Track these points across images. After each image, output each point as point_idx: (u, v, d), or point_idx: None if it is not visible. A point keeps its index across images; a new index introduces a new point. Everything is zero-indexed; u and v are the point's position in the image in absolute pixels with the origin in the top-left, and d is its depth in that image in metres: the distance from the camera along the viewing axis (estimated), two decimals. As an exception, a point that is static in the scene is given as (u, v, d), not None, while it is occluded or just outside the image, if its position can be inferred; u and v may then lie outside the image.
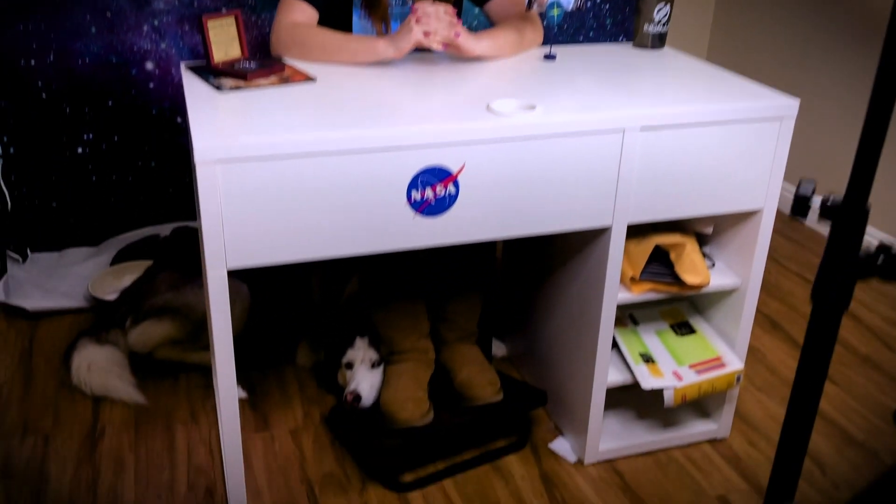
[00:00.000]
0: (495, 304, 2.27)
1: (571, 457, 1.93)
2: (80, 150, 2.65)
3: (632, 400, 2.12)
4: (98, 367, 2.13)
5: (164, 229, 2.77)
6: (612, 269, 1.76)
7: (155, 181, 2.76)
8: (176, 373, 2.24)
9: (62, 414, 2.03)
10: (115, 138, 2.69)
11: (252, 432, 2.00)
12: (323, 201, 1.49)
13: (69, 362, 2.14)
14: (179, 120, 2.74)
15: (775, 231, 2.92)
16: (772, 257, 2.85)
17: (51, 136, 2.62)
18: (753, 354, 2.33)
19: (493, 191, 1.59)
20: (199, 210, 1.55)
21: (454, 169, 1.55)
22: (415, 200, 1.54)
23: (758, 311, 2.45)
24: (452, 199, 1.57)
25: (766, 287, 2.67)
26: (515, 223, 1.64)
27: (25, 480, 1.81)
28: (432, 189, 1.54)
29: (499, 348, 2.31)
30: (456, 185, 1.56)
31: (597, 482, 1.84)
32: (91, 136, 2.66)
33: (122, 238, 2.76)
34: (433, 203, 1.55)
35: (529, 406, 1.96)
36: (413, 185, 1.53)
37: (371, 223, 1.54)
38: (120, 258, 2.64)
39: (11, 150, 2.62)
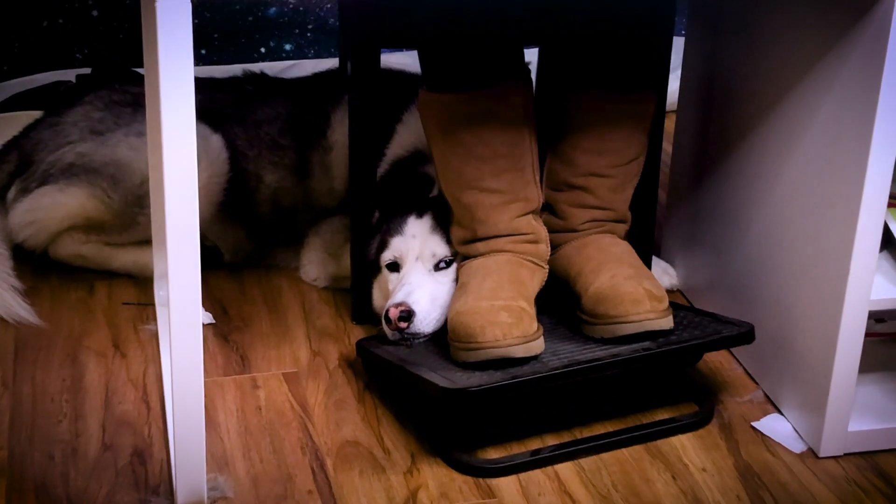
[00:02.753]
0: (651, 203, 2.13)
1: (796, 444, 1.80)
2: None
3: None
4: (-43, 258, 2.07)
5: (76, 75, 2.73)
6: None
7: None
8: (90, 279, 2.19)
9: None
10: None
11: (218, 375, 1.92)
12: None
13: None
14: None
15: None
16: None
17: None
18: None
19: None
20: None
21: None
22: None
23: None
24: None
25: None
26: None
27: None
28: None
29: (665, 275, 2.19)
30: None
31: (843, 486, 1.72)
32: None
33: (3, 86, 2.74)
34: None
35: (722, 341, 1.80)
36: None
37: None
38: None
39: None
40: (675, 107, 2.23)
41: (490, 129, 1.77)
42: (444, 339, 1.77)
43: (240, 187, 2.19)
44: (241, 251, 2.24)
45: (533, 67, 1.91)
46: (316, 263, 2.19)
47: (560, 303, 1.85)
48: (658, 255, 2.23)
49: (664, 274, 2.17)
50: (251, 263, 2.25)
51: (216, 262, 2.21)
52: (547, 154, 1.89)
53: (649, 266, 2.09)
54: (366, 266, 1.99)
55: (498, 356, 1.68)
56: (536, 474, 1.70)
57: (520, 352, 1.69)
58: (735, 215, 1.97)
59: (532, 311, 1.75)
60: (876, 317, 1.92)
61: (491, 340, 1.68)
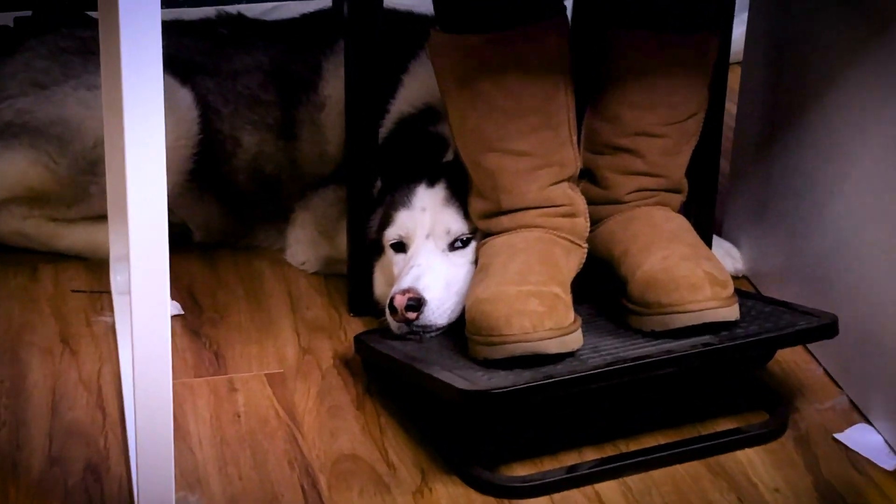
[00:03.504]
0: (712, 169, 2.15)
1: (888, 459, 1.80)
2: None
3: None
4: None
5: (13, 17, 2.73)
6: None
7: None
8: (33, 261, 2.22)
9: None
10: None
11: (188, 376, 1.93)
12: None
13: None
14: None
15: None
16: None
17: None
18: None
19: None
20: None
21: None
22: None
23: None
24: None
25: None
26: None
27: None
28: None
29: (728, 257, 2.20)
30: None
31: (947, 511, 1.72)
32: None
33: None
34: None
35: (798, 335, 1.81)
36: None
37: None
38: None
39: None
40: (740, 57, 2.23)
41: (518, 79, 1.78)
42: (460, 333, 1.77)
43: (213, 152, 2.20)
44: (215, 229, 2.26)
45: (568, 3, 1.92)
46: (305, 243, 2.20)
47: (602, 289, 1.86)
48: (720, 234, 2.23)
49: (727, 256, 2.18)
50: (227, 243, 2.27)
51: (185, 242, 2.22)
52: (586, 109, 1.90)
53: (709, 246, 2.09)
54: (365, 246, 2.01)
55: (526, 352, 1.68)
56: (573, 495, 1.71)
57: (553, 347, 1.69)
58: (813, 187, 1.98)
59: (568, 298, 1.76)
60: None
61: (518, 333, 1.68)
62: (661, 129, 1.86)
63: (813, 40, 1.97)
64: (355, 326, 2.04)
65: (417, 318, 1.80)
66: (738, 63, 2.24)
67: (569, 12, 1.92)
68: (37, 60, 2.21)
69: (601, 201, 1.89)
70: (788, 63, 2.05)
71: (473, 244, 1.88)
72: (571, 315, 1.74)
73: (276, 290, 2.16)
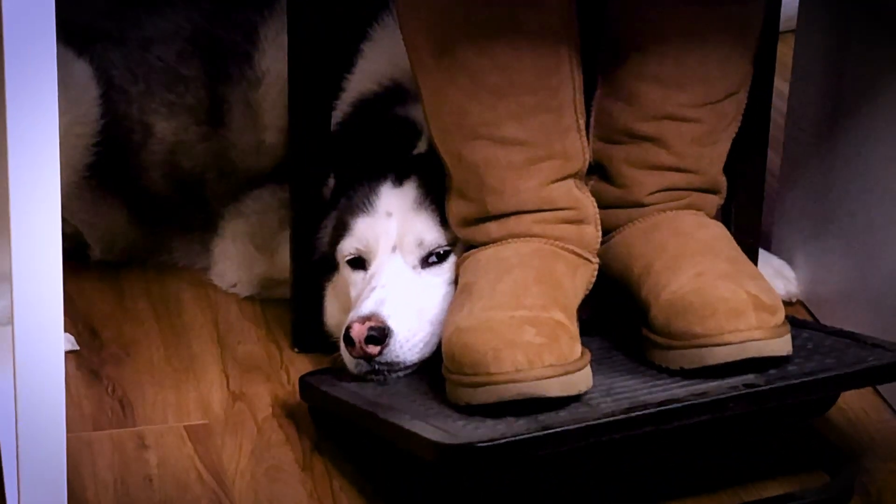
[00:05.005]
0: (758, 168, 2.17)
1: None
2: None
3: None
4: None
5: None
6: None
7: None
8: None
9: None
10: None
11: (85, 428, 1.94)
12: None
13: None
14: None
15: None
16: None
17: None
18: None
19: None
20: None
21: None
22: None
23: None
24: None
25: None
26: None
27: None
28: None
29: (779, 277, 2.22)
30: None
31: None
32: None
33: None
34: None
35: (867, 374, 1.81)
36: None
37: None
38: None
39: None
40: (793, 24, 2.25)
41: (510, 46, 1.79)
42: (436, 372, 1.79)
43: (118, 142, 2.21)
44: (120, 241, 2.27)
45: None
46: (236, 260, 2.22)
47: (617, 315, 1.88)
48: (768, 248, 2.25)
49: (777, 275, 2.20)
50: (135, 260, 2.28)
51: (81, 259, 2.23)
52: (597, 86, 1.91)
53: (755, 263, 2.08)
54: (314, 262, 2.02)
55: (521, 395, 1.69)
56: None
57: (554, 388, 1.70)
58: (887, 189, 1.99)
59: (573, 327, 1.77)
60: None
61: (510, 371, 1.69)
62: (693, 111, 1.88)
63: (886, 4, 1.99)
64: (300, 365, 2.06)
65: (381, 352, 1.81)
66: (790, 31, 2.26)
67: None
68: None
69: (616, 204, 1.90)
70: (855, 30, 2.07)
71: (452, 259, 1.90)
72: (578, 348, 1.74)
73: (198, 320, 2.17)
